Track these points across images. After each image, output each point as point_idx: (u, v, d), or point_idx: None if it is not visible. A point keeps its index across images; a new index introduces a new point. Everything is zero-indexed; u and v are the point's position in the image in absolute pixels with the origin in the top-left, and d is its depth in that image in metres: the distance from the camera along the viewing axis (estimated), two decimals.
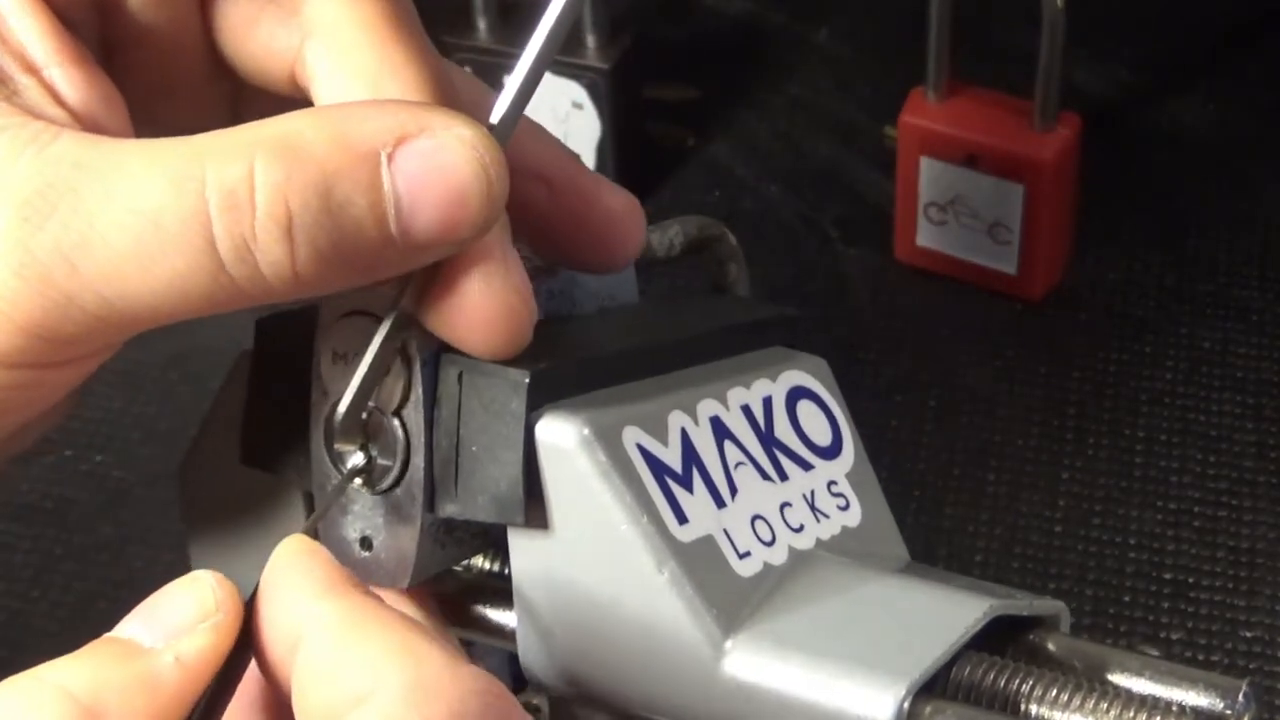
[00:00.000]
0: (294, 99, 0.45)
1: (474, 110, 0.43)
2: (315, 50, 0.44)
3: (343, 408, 0.43)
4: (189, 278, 0.40)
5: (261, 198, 0.40)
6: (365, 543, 0.44)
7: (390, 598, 0.43)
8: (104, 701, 0.36)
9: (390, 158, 0.40)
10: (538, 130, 0.48)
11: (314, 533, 0.42)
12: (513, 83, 0.42)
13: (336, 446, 0.43)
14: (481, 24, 0.91)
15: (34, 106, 0.42)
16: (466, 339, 0.42)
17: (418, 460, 0.43)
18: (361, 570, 0.44)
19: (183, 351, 0.86)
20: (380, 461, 0.43)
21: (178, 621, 0.38)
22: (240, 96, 0.47)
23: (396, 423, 0.43)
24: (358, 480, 0.43)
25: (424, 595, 0.46)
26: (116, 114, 0.44)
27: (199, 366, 0.85)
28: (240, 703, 0.40)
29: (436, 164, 0.40)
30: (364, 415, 0.43)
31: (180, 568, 0.45)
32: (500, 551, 0.48)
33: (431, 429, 0.43)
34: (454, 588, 0.48)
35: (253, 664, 0.39)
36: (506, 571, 0.48)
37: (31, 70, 0.43)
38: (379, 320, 0.42)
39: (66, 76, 0.43)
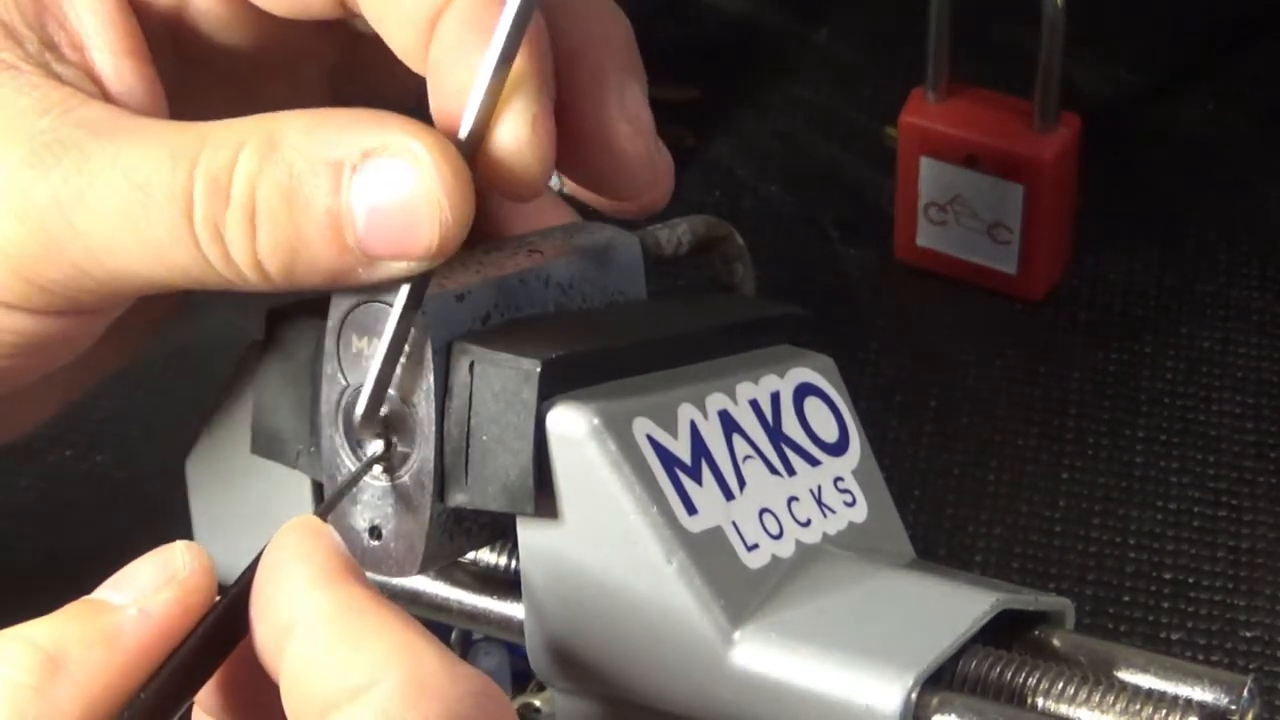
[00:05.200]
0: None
1: None
2: (449, 17, 0.43)
3: (364, 396, 0.43)
4: (170, 250, 0.42)
5: (236, 188, 0.41)
6: (374, 532, 0.44)
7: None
8: (65, 651, 0.38)
9: (355, 169, 0.41)
10: (589, 10, 0.46)
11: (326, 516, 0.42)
12: (477, 91, 0.42)
13: (357, 435, 0.44)
14: None
15: (72, 84, 0.45)
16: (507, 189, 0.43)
17: (428, 449, 0.43)
18: (370, 559, 0.44)
19: (182, 349, 0.86)
20: (399, 449, 0.43)
21: (146, 582, 0.39)
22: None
23: (416, 409, 0.43)
24: (377, 467, 0.44)
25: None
26: (155, 106, 0.46)
27: (198, 364, 0.84)
28: (223, 681, 0.40)
29: (390, 184, 0.41)
30: (383, 405, 0.43)
31: None
32: (507, 544, 0.48)
33: (442, 418, 0.43)
34: (461, 580, 0.48)
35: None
36: (514, 565, 0.48)
37: (79, 51, 0.45)
38: (389, 307, 0.42)
39: (113, 64, 0.46)
